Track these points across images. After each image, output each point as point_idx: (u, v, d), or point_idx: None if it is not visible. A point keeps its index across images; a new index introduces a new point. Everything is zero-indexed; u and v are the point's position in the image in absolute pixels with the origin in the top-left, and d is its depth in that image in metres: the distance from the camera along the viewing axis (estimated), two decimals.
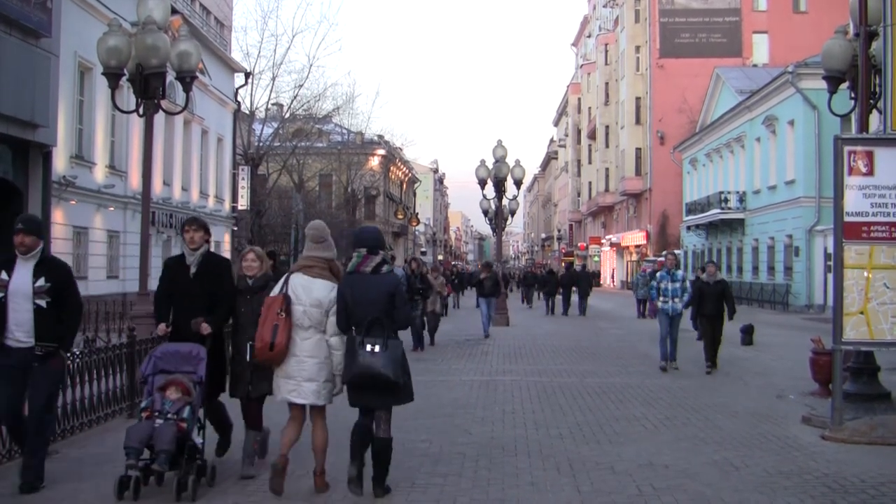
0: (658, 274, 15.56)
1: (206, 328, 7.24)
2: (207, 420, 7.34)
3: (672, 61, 57.14)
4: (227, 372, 7.65)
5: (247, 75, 43.06)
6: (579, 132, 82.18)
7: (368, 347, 6.38)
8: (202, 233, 7.58)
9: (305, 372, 6.68)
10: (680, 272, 15.17)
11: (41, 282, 6.79)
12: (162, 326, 7.45)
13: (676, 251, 16.27)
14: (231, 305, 7.49)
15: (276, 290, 6.85)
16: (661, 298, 14.74)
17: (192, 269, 7.49)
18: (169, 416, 6.69)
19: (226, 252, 40.04)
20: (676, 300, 14.61)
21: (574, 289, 32.08)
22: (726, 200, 42.81)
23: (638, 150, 61.17)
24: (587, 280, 33.76)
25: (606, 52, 70.36)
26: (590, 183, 76.87)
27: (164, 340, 7.46)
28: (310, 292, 6.71)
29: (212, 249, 7.86)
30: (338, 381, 6.75)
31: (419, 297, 17.82)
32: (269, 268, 7.82)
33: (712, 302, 14.63)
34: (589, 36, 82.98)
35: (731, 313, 14.73)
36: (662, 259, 19.75)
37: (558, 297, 32.74)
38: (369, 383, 6.43)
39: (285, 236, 50.35)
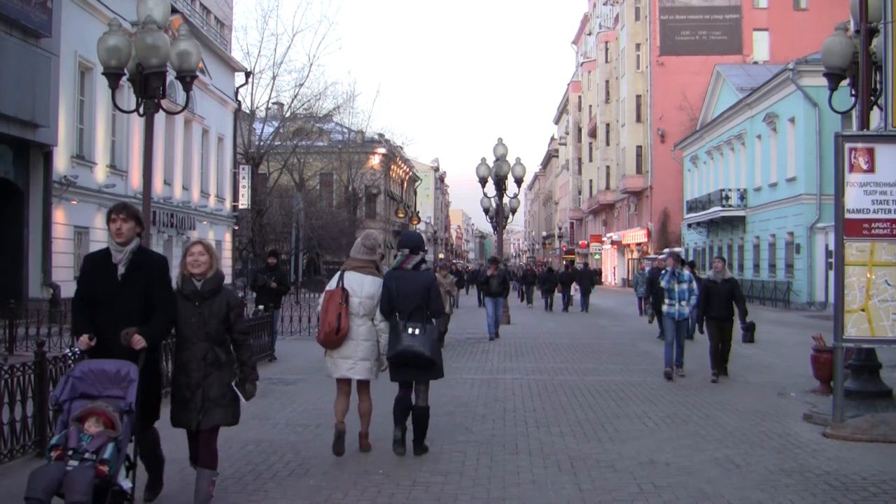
0: (663, 274, 14.17)
1: (138, 341, 5.78)
2: (138, 456, 5.94)
3: (672, 59, 57.13)
4: (161, 396, 6.38)
5: (247, 74, 43.11)
6: (580, 130, 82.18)
7: (410, 330, 7.60)
8: (132, 223, 6.06)
9: (361, 352, 7.84)
10: (686, 272, 13.79)
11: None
12: (84, 339, 5.83)
13: (677, 249, 14.75)
14: (171, 314, 6.14)
15: (332, 285, 7.97)
16: (667, 301, 13.48)
17: (121, 269, 6.00)
18: (86, 455, 5.31)
19: (226, 252, 40.06)
20: (683, 303, 13.35)
21: (576, 286, 33.35)
22: (727, 198, 42.82)
23: (639, 147, 61.17)
24: (588, 277, 34.35)
25: (607, 49, 70.36)
26: (591, 181, 76.88)
27: (85, 356, 5.86)
28: (363, 287, 7.89)
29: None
30: (383, 359, 7.90)
31: None
32: (219, 267, 6.54)
33: (720, 303, 13.27)
34: (589, 34, 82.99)
35: (742, 316, 13.31)
36: (662, 258, 19.36)
37: (558, 295, 33.78)
38: (410, 361, 7.66)
39: (286, 235, 50.47)
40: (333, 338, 7.75)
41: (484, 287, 21.86)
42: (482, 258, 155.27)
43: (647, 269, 28.51)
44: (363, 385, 8.07)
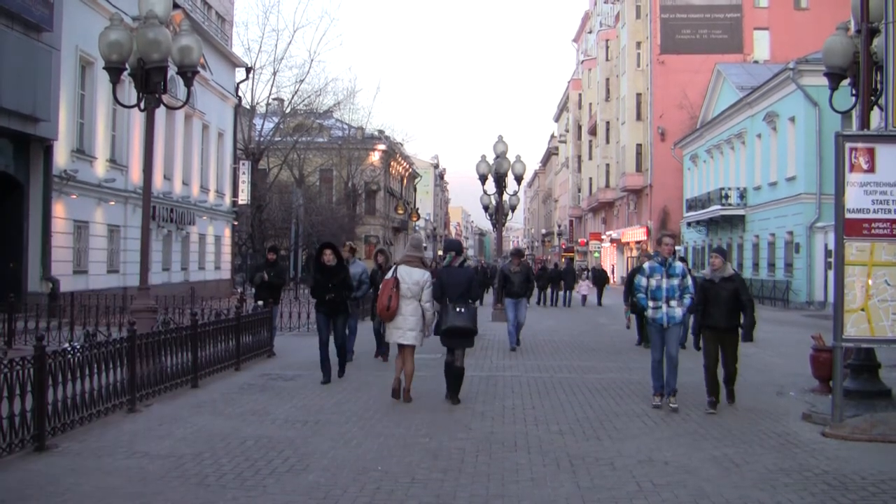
0: (647, 265, 10.78)
1: None
2: None
3: (673, 57, 57.07)
4: None
5: (248, 70, 43.09)
6: (580, 128, 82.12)
7: (457, 310, 10.41)
8: None
9: (408, 324, 10.55)
10: (679, 265, 10.60)
11: None
12: None
13: (670, 237, 11.04)
14: None
15: (388, 276, 10.76)
16: (652, 303, 10.46)
17: None
18: None
19: (226, 247, 40.03)
20: (674, 304, 10.35)
21: (590, 284, 38.89)
22: (727, 197, 42.81)
23: (638, 146, 61.14)
24: (572, 275, 37.76)
25: (607, 47, 70.29)
26: (590, 179, 76.84)
27: None
28: (410, 276, 10.59)
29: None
30: (427, 330, 10.72)
31: None
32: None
33: (721, 308, 10.30)
34: (590, 32, 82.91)
35: (748, 326, 10.39)
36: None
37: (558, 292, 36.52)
38: (457, 332, 10.45)
39: (285, 231, 50.43)
40: (385, 313, 10.54)
41: (504, 286, 17.93)
42: (481, 255, 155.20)
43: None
44: (409, 349, 10.69)
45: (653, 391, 10.81)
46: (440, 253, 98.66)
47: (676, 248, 11.90)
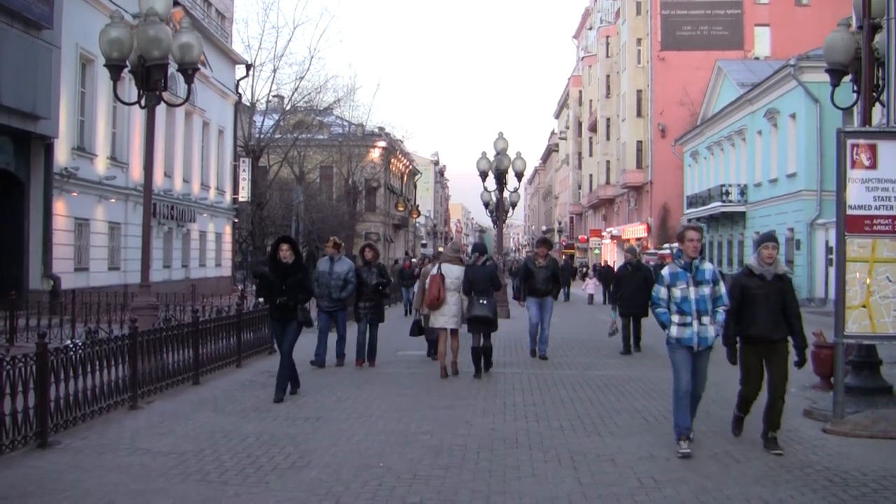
0: (666, 272, 8.24)
1: None
2: None
3: (673, 54, 57.01)
4: None
5: (248, 67, 43.07)
6: (580, 125, 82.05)
7: (481, 301, 12.54)
8: None
9: (451, 311, 12.62)
10: (709, 267, 8.13)
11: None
12: None
13: (695, 231, 8.25)
14: None
15: (434, 271, 12.70)
16: (678, 318, 7.96)
17: None
18: None
19: (226, 244, 40.03)
20: (706, 320, 7.92)
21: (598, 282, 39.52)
22: (727, 193, 42.78)
23: (639, 142, 61.09)
24: (568, 272, 40.04)
25: (608, 44, 70.19)
26: (590, 175, 76.77)
27: None
28: (452, 272, 12.68)
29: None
30: (463, 317, 12.69)
31: (378, 296, 14.32)
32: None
33: (769, 312, 7.99)
34: (590, 28, 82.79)
35: (801, 347, 8.03)
36: (668, 252, 17.86)
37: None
38: (481, 320, 12.55)
39: (286, 228, 50.37)
40: (436, 303, 12.50)
41: (527, 283, 15.14)
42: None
43: (652, 263, 28.50)
44: (454, 332, 12.80)
45: (677, 433, 7.99)
46: (440, 249, 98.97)
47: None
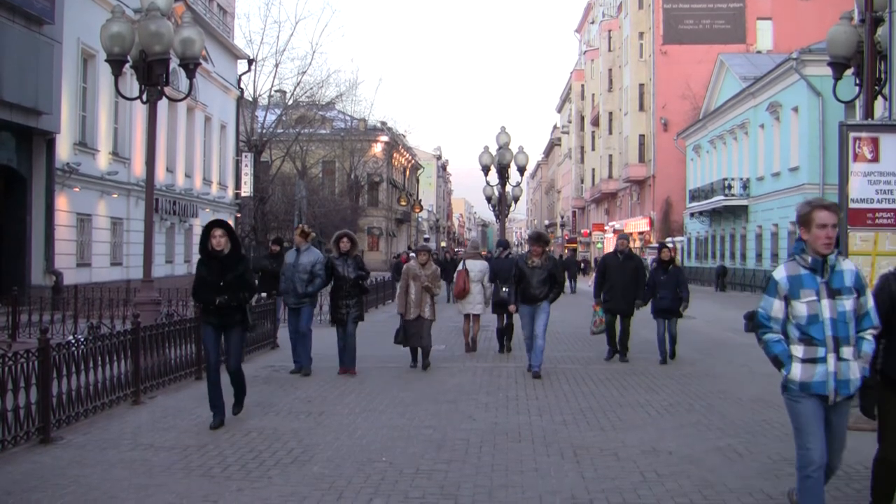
0: (782, 275, 5.17)
1: None
2: None
3: (676, 48, 56.96)
4: None
5: (250, 62, 43.02)
6: (582, 119, 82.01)
7: (504, 289, 14.08)
8: None
9: (476, 300, 14.98)
10: (850, 267, 5.22)
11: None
12: None
13: (825, 211, 5.05)
14: None
15: (459, 267, 15.12)
16: (802, 350, 5.12)
17: None
18: None
19: None
20: (846, 353, 5.06)
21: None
22: (730, 187, 42.78)
23: (641, 136, 61.06)
24: (574, 265, 41.55)
25: (610, 38, 70.11)
26: (593, 170, 76.77)
27: None
28: (475, 266, 15.01)
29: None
30: (488, 301, 15.01)
31: (359, 290, 12.56)
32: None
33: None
34: (592, 22, 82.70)
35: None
36: (671, 246, 15.84)
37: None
38: (504, 304, 14.05)
39: (288, 223, 50.39)
40: (463, 294, 14.83)
41: (521, 285, 12.55)
42: (484, 247, 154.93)
43: (649, 258, 28.40)
44: (476, 317, 15.19)
45: None
46: (442, 245, 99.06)
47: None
